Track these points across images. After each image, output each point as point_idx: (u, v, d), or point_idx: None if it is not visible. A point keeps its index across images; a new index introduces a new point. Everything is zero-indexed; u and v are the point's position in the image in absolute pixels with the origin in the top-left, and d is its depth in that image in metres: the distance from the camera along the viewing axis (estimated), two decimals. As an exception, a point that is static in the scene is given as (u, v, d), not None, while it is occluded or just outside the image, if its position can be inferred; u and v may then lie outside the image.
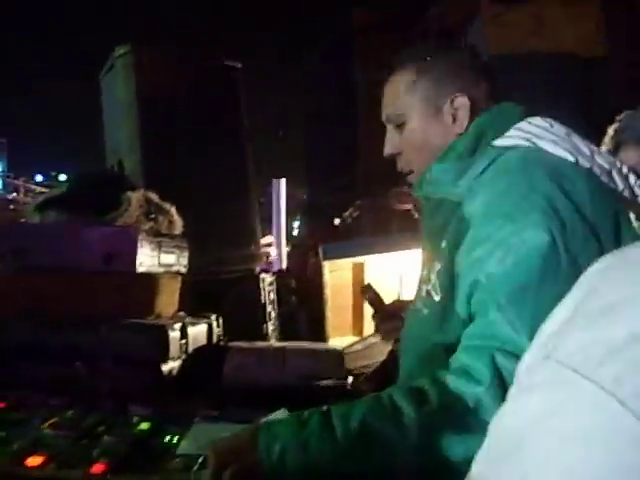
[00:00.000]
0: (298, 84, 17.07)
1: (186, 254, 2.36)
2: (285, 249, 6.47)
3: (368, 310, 4.09)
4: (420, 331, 1.42)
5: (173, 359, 1.89)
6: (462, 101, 1.42)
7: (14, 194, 27.24)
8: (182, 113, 2.86)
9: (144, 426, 1.67)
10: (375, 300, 2.08)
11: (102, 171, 2.78)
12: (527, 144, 1.34)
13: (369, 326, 3.84)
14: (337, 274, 4.03)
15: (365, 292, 2.12)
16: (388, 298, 2.32)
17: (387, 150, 1.55)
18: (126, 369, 1.82)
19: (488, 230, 1.23)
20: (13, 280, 1.93)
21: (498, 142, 1.37)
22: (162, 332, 1.85)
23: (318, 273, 4.59)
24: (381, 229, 7.75)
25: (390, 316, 1.99)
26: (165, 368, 1.87)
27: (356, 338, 3.89)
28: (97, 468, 1.31)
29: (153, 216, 2.13)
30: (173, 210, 2.25)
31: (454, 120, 1.43)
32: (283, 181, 6.52)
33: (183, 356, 1.96)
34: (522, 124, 1.38)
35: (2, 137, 27.93)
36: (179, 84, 2.89)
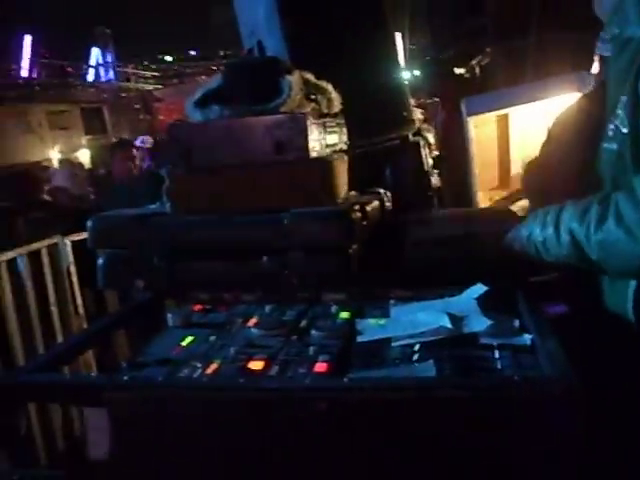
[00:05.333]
0: None
1: (345, 130, 2.27)
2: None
3: (515, 164, 3.93)
4: (612, 168, 1.48)
5: (358, 242, 1.84)
6: None
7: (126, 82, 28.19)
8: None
9: (345, 315, 1.66)
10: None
11: (256, 57, 2.68)
12: None
13: (515, 181, 3.70)
14: (481, 129, 3.84)
15: None
16: (535, 150, 2.21)
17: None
18: (314, 258, 1.79)
19: None
20: (187, 182, 1.91)
21: None
22: (346, 216, 1.79)
23: (452, 128, 4.40)
24: (514, 76, 7.34)
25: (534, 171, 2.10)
26: (351, 252, 1.82)
27: (504, 193, 3.76)
28: (320, 367, 1.29)
29: (313, 97, 2.03)
30: (330, 87, 2.13)
31: None
32: (398, 35, 6.25)
33: (365, 237, 1.90)
34: None
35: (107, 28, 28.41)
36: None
